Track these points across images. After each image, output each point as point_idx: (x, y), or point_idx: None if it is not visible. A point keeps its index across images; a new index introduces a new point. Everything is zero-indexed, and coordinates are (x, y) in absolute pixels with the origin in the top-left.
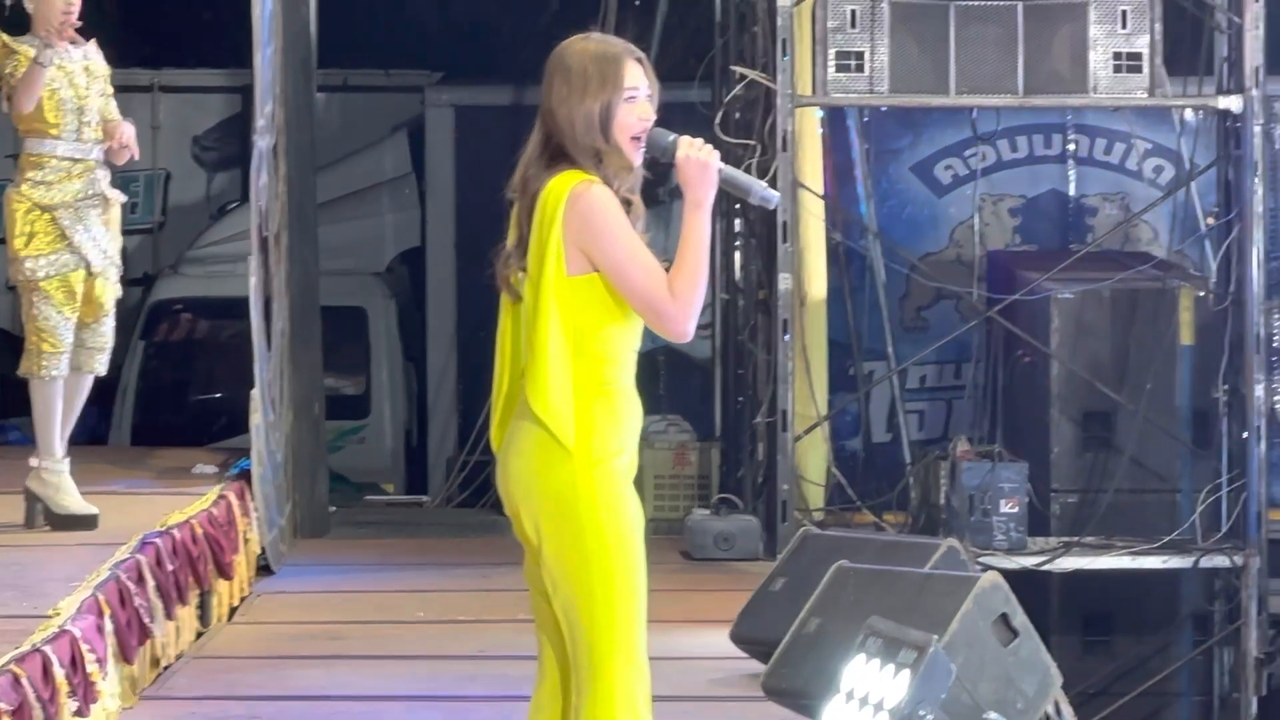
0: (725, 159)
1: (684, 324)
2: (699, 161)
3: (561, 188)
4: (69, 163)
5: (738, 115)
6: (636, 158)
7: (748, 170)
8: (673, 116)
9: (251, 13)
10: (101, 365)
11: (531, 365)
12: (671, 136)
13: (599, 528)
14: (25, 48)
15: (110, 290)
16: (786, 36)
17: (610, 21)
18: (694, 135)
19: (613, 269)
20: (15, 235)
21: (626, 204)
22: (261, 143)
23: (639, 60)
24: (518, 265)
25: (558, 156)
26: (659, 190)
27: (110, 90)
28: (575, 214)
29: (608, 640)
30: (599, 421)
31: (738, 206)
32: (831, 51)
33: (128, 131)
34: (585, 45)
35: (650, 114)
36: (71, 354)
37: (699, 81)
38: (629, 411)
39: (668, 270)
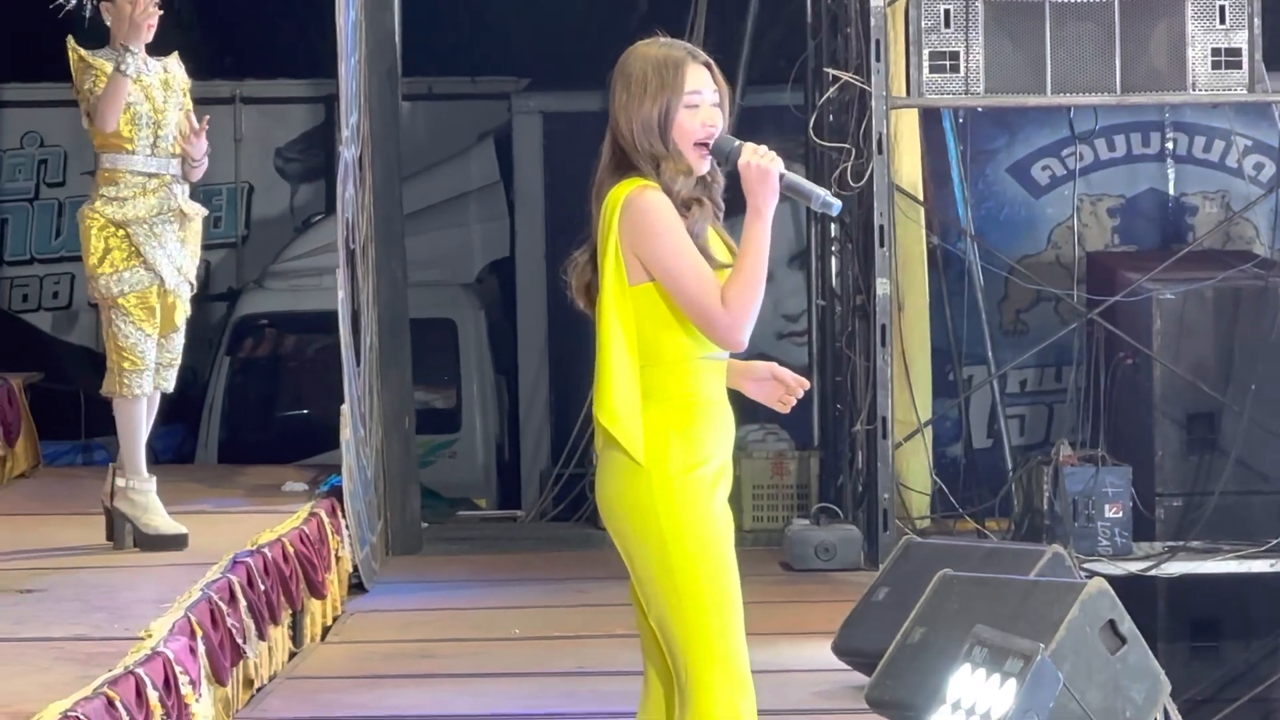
0: (819, 163)
1: (736, 334)
2: (760, 168)
3: (618, 195)
4: (144, 178)
5: (831, 118)
6: (702, 164)
7: (841, 174)
8: (764, 120)
9: (335, 21)
10: (169, 381)
11: (598, 379)
12: (735, 143)
13: (681, 540)
14: (103, 62)
15: (182, 308)
16: (880, 37)
17: (699, 24)
18: (787, 139)
19: (664, 275)
20: (90, 252)
21: (687, 206)
22: (347, 153)
23: (705, 65)
24: (591, 274)
25: (624, 164)
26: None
27: (190, 104)
28: (628, 221)
29: (704, 654)
30: (677, 432)
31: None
32: (926, 52)
33: (199, 148)
34: (648, 50)
35: (715, 120)
36: None
37: (791, 84)
38: (713, 420)
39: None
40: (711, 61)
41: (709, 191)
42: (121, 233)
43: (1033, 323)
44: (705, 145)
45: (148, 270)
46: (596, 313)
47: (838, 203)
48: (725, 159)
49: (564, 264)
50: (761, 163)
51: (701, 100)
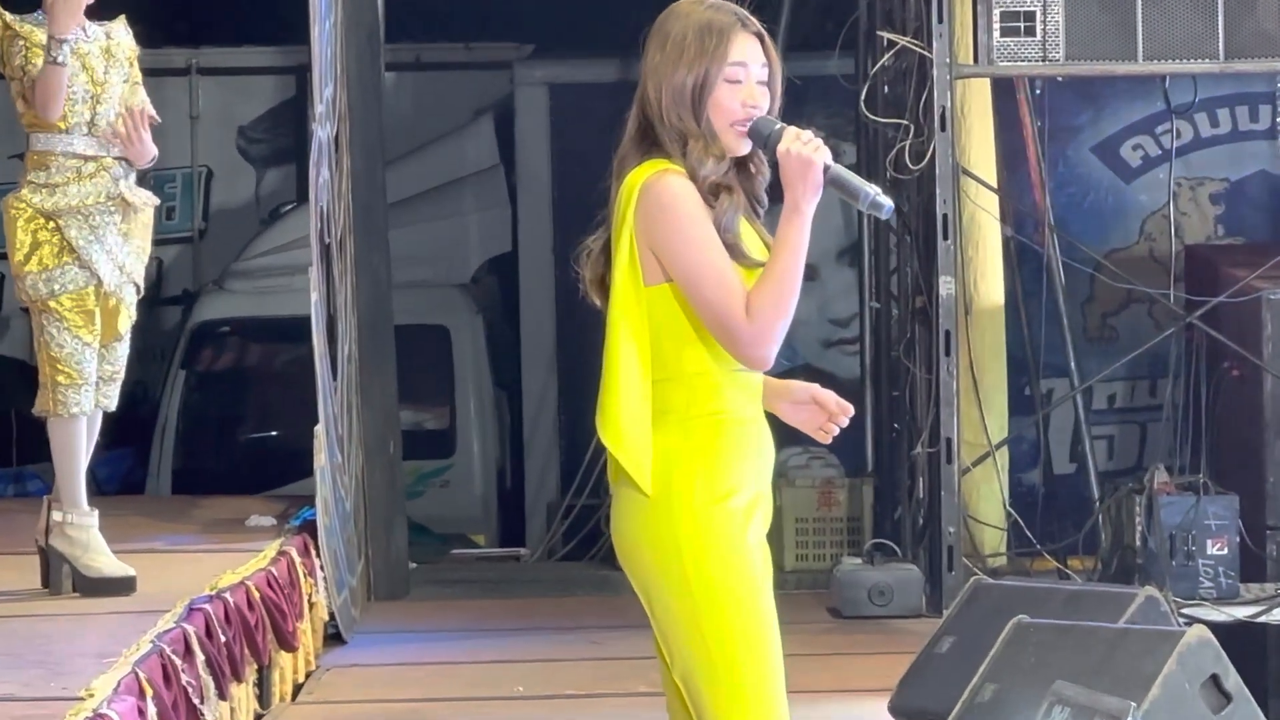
0: (872, 142)
1: (759, 350)
2: (802, 157)
3: (636, 180)
4: (79, 161)
5: (886, 89)
6: (740, 147)
7: (898, 155)
8: (808, 93)
9: None
10: (112, 399)
11: (603, 392)
12: (777, 125)
13: (709, 583)
14: (33, 30)
15: (127, 312)
16: None
17: None
18: (834, 114)
19: (681, 275)
20: (15, 248)
21: (715, 194)
22: (321, 132)
23: (757, 35)
24: (605, 264)
25: (650, 139)
26: None
27: (138, 76)
28: (645, 211)
29: (737, 716)
30: (702, 456)
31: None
32: (997, 12)
33: (143, 151)
34: (693, 8)
35: (758, 100)
36: None
37: (839, 50)
38: (745, 442)
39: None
40: (765, 33)
41: (749, 182)
42: (52, 225)
43: (1122, 328)
44: (743, 125)
45: (82, 268)
46: (606, 316)
47: (889, 203)
48: (764, 144)
49: (575, 252)
50: (804, 151)
51: (746, 75)
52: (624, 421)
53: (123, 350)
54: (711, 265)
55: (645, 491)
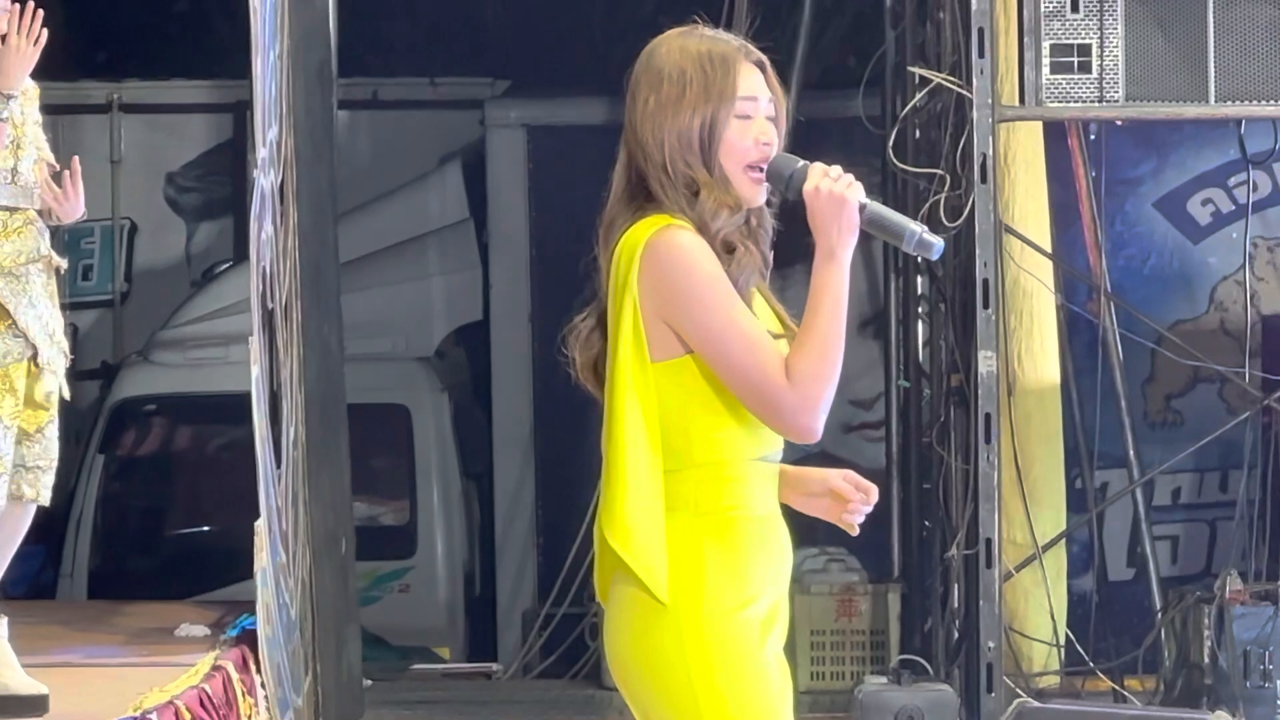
0: (901, 194)
1: (806, 419)
2: (834, 196)
3: (636, 239)
4: (4, 214)
5: (918, 134)
6: (756, 194)
7: (932, 210)
8: (827, 137)
9: (248, 2)
10: (44, 490)
11: (606, 486)
12: (799, 163)
13: (720, 705)
14: None
15: (56, 386)
16: (984, 25)
17: (742, 8)
18: (857, 162)
19: (704, 343)
20: None
21: (729, 250)
22: (263, 181)
23: (758, 64)
24: (601, 345)
25: (643, 195)
26: (807, 241)
27: (39, 116)
28: (652, 273)
29: None
30: (715, 560)
31: (920, 260)
32: (1047, 45)
33: (73, 208)
34: (685, 42)
35: (772, 136)
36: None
37: (864, 89)
38: (763, 543)
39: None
40: (765, 60)
41: (755, 237)
42: None
43: (1189, 411)
44: (758, 168)
45: (16, 337)
46: (606, 397)
47: (939, 242)
48: (786, 185)
49: (563, 331)
50: (836, 189)
51: (756, 109)
52: (633, 519)
53: (52, 433)
54: (739, 328)
55: (660, 599)
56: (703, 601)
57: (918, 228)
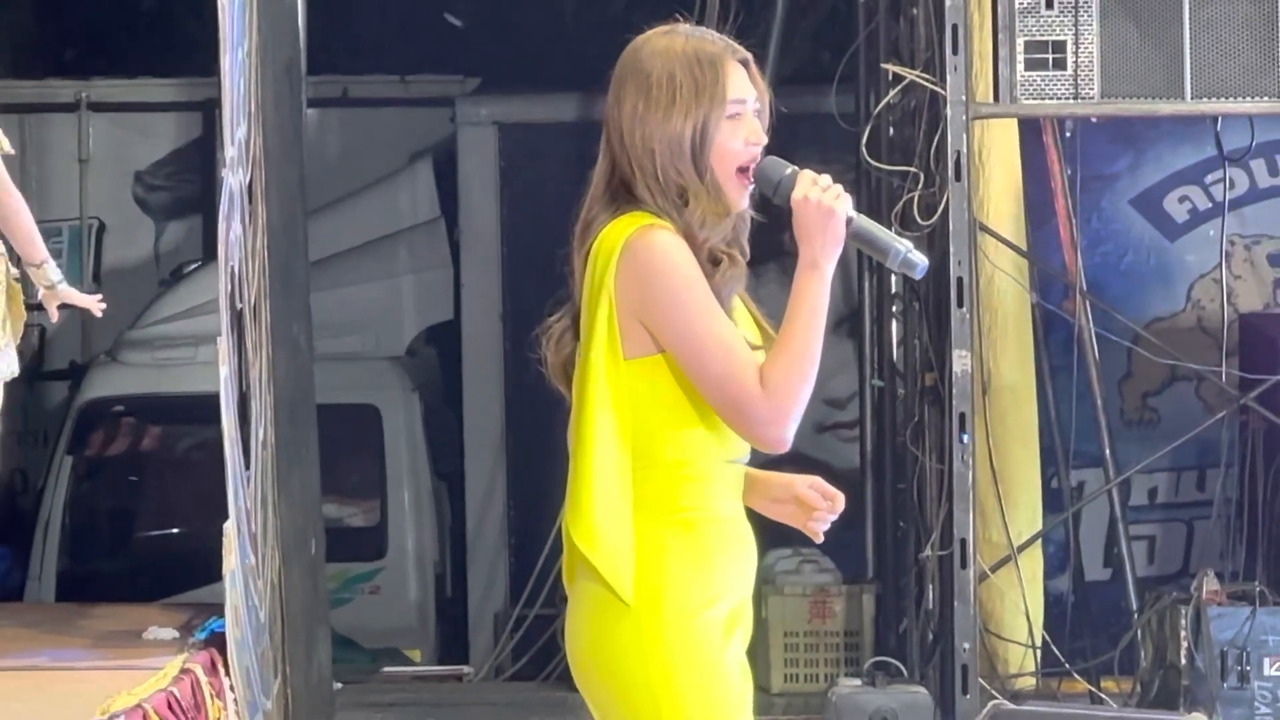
0: (875, 192)
1: (777, 429)
2: (823, 207)
3: (615, 237)
4: None
5: (891, 131)
6: (742, 199)
7: (905, 209)
8: (800, 134)
9: (216, 0)
10: None
11: (573, 485)
12: (789, 169)
13: (680, 706)
14: None
15: None
16: (958, 21)
17: (713, 5)
18: (830, 160)
19: (680, 345)
20: None
21: (715, 261)
22: (232, 179)
23: (744, 63)
24: (574, 345)
25: (624, 196)
26: (783, 237)
27: None
28: (630, 272)
29: None
30: (677, 561)
31: None
32: (1021, 41)
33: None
34: (671, 42)
35: (760, 136)
36: None
37: (837, 85)
38: (728, 545)
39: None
40: (750, 59)
41: (736, 240)
42: None
43: (1166, 410)
44: (745, 173)
45: None
46: (575, 394)
47: (923, 261)
48: (774, 190)
49: (536, 331)
50: (824, 199)
51: (744, 109)
52: (599, 517)
53: None
54: (716, 334)
55: (625, 599)
56: (664, 602)
57: (903, 246)
